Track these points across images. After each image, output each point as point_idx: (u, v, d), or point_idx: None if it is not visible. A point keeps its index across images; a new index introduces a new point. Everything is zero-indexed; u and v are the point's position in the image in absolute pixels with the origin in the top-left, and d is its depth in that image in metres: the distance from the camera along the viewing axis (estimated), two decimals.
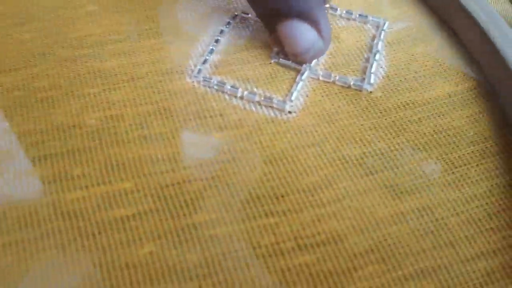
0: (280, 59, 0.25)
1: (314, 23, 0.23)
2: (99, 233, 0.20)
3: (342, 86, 0.25)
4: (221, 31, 0.27)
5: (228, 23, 0.27)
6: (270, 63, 0.26)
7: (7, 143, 0.22)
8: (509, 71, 0.23)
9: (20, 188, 0.21)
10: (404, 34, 0.27)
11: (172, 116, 0.23)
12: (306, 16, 0.23)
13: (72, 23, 0.27)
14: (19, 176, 0.21)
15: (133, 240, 0.19)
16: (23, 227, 0.19)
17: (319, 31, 0.24)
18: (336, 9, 0.28)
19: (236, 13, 0.28)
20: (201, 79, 0.25)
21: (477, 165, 0.22)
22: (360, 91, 0.25)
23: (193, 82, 0.25)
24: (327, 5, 0.25)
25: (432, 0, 0.28)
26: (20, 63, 0.25)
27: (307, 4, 0.23)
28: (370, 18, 0.27)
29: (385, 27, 0.27)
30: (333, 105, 0.24)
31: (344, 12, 0.28)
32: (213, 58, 0.26)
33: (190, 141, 0.23)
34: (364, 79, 0.25)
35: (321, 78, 0.25)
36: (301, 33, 0.23)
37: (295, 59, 0.25)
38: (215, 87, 0.24)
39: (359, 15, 0.27)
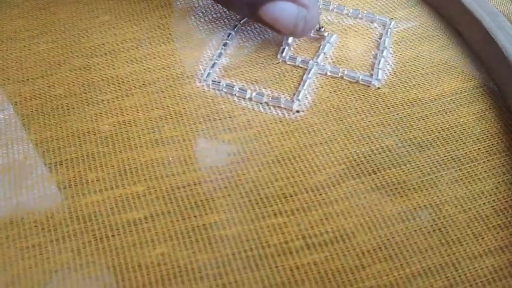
0: (287, 57, 0.26)
1: None
2: (113, 235, 0.20)
3: (350, 82, 0.25)
4: (229, 35, 0.27)
5: (236, 26, 0.28)
6: (278, 62, 0.26)
7: (26, 150, 0.23)
8: None
9: (37, 193, 0.22)
10: (410, 33, 0.27)
11: (182, 119, 0.24)
12: None
13: (87, 33, 0.28)
14: (37, 181, 0.22)
15: (145, 241, 0.20)
16: (40, 231, 0.20)
17: (295, 1, 0.23)
18: (343, 8, 0.28)
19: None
20: (210, 82, 0.25)
21: (484, 162, 0.22)
22: (368, 86, 0.25)
23: (202, 85, 0.25)
24: None
25: (436, 1, 0.28)
26: (37, 72, 0.26)
27: None
28: (377, 17, 0.28)
29: (391, 26, 0.27)
30: (341, 101, 0.24)
31: (351, 11, 0.28)
32: (222, 61, 0.26)
33: (200, 144, 0.23)
34: (372, 74, 0.25)
35: (328, 73, 0.25)
36: (279, 13, 0.23)
37: (292, 36, 0.25)
38: (224, 90, 0.25)
39: (366, 14, 0.28)
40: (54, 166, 0.23)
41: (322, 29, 0.26)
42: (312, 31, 0.26)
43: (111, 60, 0.27)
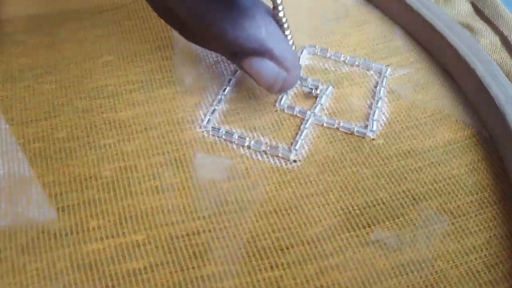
0: (286, 106, 0.26)
1: (270, 56, 0.23)
2: (113, 286, 0.21)
3: (346, 133, 0.26)
4: (229, 80, 0.28)
5: (236, 72, 0.28)
6: (276, 110, 0.27)
7: (29, 195, 0.24)
8: (505, 121, 0.24)
9: (40, 240, 0.22)
10: (405, 80, 0.28)
11: (182, 166, 0.25)
12: (261, 52, 0.23)
13: (90, 74, 0.29)
14: (39, 228, 0.22)
15: None
16: (42, 279, 0.21)
17: (278, 62, 0.23)
18: (340, 56, 0.29)
19: None
20: (210, 129, 0.26)
21: (475, 215, 0.23)
22: (363, 137, 0.26)
23: (202, 131, 0.26)
24: (287, 30, 0.24)
25: (432, 47, 0.29)
26: (41, 114, 0.27)
27: (257, 40, 0.23)
28: (373, 64, 0.28)
29: (387, 74, 0.28)
30: (336, 152, 0.25)
31: (348, 58, 0.29)
32: (222, 107, 0.27)
33: (199, 192, 0.24)
34: (367, 125, 0.26)
35: (325, 124, 0.26)
36: (260, 69, 0.23)
37: (268, 91, 0.25)
38: (224, 136, 0.26)
39: (362, 61, 0.28)
40: (57, 212, 0.23)
41: (312, 91, 0.27)
42: (304, 88, 0.27)
43: (113, 103, 0.27)
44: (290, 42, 0.24)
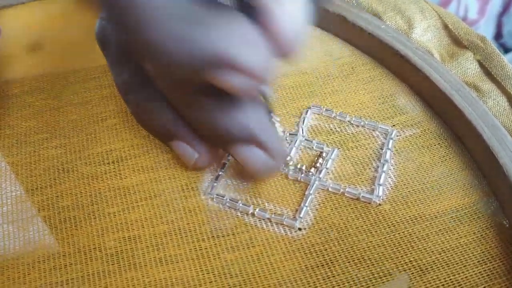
0: (290, 172, 0.26)
1: (258, 144, 0.23)
2: None
3: (351, 198, 0.26)
4: None
5: None
6: (281, 175, 0.27)
7: (31, 266, 0.24)
8: None
9: None
10: (411, 141, 0.28)
11: (186, 236, 0.24)
12: (248, 140, 0.23)
13: (95, 138, 0.29)
14: None
15: None
16: None
17: (265, 150, 0.24)
18: (345, 116, 0.29)
19: None
20: (215, 195, 0.26)
21: (484, 287, 0.22)
22: (369, 203, 0.25)
23: (207, 199, 0.26)
24: (274, 119, 0.25)
25: (438, 107, 0.29)
26: (46, 181, 0.27)
27: (246, 129, 0.23)
28: (378, 125, 0.28)
29: (393, 135, 0.28)
30: (342, 219, 0.25)
31: (353, 119, 0.29)
32: (226, 172, 0.27)
33: (203, 264, 0.23)
34: (373, 190, 0.26)
35: (330, 189, 0.26)
36: (248, 157, 0.24)
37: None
38: (228, 204, 0.25)
39: (368, 122, 0.28)
40: (61, 285, 0.23)
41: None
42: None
43: (118, 169, 0.27)
44: (277, 125, 0.25)
